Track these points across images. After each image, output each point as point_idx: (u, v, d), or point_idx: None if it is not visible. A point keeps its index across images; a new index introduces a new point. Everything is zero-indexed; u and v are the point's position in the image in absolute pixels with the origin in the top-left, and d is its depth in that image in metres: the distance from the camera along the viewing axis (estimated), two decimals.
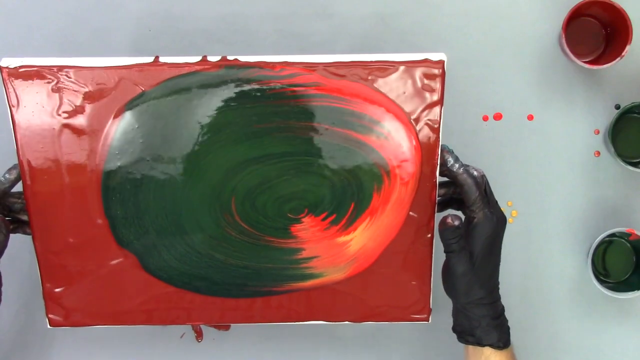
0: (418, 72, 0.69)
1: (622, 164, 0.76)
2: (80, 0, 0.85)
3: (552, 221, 0.81)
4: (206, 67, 0.69)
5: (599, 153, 0.81)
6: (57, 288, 0.77)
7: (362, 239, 0.73)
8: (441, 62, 0.68)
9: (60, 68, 0.71)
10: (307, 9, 0.83)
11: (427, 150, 0.70)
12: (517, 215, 0.81)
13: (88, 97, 0.71)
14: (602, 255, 0.81)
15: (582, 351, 0.82)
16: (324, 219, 0.73)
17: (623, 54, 0.74)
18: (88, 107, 0.72)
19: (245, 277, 0.75)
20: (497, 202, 0.69)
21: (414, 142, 0.70)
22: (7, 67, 0.71)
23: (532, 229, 0.81)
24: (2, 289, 0.74)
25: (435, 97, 0.69)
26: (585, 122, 0.81)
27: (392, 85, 0.69)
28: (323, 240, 0.73)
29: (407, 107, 0.69)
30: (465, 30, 0.81)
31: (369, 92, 0.69)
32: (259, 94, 0.70)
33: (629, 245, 0.81)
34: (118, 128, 0.72)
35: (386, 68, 0.69)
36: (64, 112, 0.72)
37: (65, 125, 0.72)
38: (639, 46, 0.79)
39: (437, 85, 0.69)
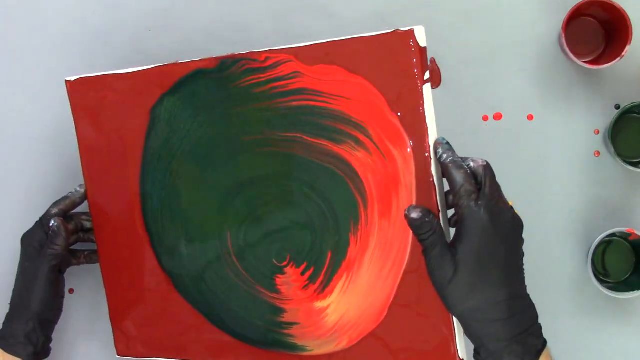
0: (392, 49, 0.60)
1: (622, 164, 0.76)
2: (80, 0, 0.85)
3: (552, 221, 0.81)
4: (206, 63, 0.68)
5: (599, 153, 0.81)
6: (122, 315, 0.77)
7: (342, 306, 0.67)
8: (410, 33, 0.59)
9: (103, 78, 0.73)
10: (308, 9, 0.83)
11: (417, 144, 0.61)
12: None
13: (125, 105, 0.73)
14: (602, 255, 0.81)
15: (582, 351, 0.82)
16: (303, 272, 0.68)
17: (623, 54, 0.74)
18: (125, 116, 0.73)
19: (249, 331, 0.72)
20: (500, 199, 0.59)
21: (398, 135, 0.62)
22: (69, 81, 0.74)
23: (532, 229, 0.81)
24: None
25: (416, 77, 0.60)
26: (585, 122, 0.81)
27: (367, 67, 0.62)
28: (302, 304, 0.69)
29: (388, 93, 0.61)
30: (465, 30, 0.81)
31: (344, 75, 0.63)
32: (245, 93, 0.67)
33: (628, 245, 0.81)
34: (146, 134, 0.72)
35: (359, 47, 0.62)
36: (108, 123, 0.74)
37: (111, 136, 0.74)
38: (639, 46, 0.79)
39: (414, 61, 0.60)
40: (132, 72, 0.71)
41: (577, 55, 0.77)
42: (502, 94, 0.81)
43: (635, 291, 0.77)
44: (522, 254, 0.61)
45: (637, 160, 0.79)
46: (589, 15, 0.80)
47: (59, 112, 0.85)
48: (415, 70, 0.60)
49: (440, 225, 0.59)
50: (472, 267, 0.57)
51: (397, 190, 0.63)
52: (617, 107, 0.80)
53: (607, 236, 0.77)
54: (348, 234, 0.65)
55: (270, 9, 0.83)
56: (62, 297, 0.76)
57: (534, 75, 0.81)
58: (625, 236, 0.79)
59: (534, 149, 0.81)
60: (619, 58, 0.75)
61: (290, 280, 0.69)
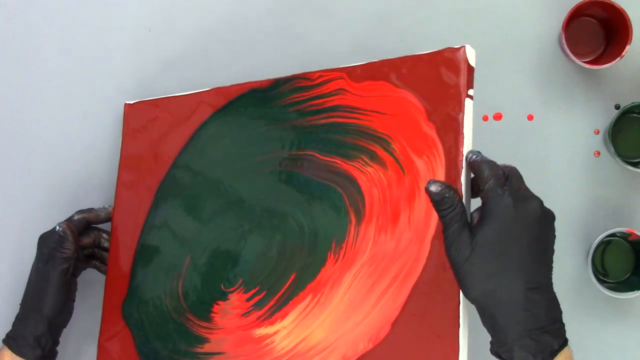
0: (442, 65, 0.62)
1: (622, 164, 0.76)
2: (80, 0, 0.85)
3: None
4: (262, 83, 0.69)
5: (599, 153, 0.81)
6: (108, 336, 0.76)
7: (300, 330, 0.63)
8: (461, 50, 0.61)
9: (160, 102, 0.74)
10: (308, 9, 0.83)
11: (450, 154, 0.60)
12: None
13: (172, 125, 0.73)
14: (602, 255, 0.81)
15: (582, 351, 0.82)
16: (249, 298, 0.65)
17: (623, 54, 0.74)
18: (168, 136, 0.73)
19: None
20: (526, 190, 0.59)
21: (430, 145, 0.61)
22: (128, 104, 0.76)
23: None
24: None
25: (460, 93, 0.61)
26: (585, 122, 0.81)
27: (414, 82, 0.63)
28: (234, 332, 0.65)
29: (429, 105, 0.62)
30: (465, 30, 0.81)
31: (389, 90, 0.64)
32: (279, 112, 0.67)
33: (628, 245, 0.81)
34: (179, 152, 0.73)
35: (410, 64, 0.63)
36: (151, 144, 0.74)
37: (148, 158, 0.74)
38: (639, 46, 0.79)
39: (461, 78, 0.61)
40: (189, 94, 0.73)
41: (577, 55, 0.77)
42: (502, 94, 0.81)
43: (635, 291, 0.77)
44: (552, 249, 0.59)
45: (637, 160, 0.79)
46: (589, 15, 0.80)
47: (60, 116, 0.85)
48: (462, 87, 0.61)
49: (462, 204, 0.58)
50: (490, 248, 0.56)
51: (411, 203, 0.62)
52: (617, 107, 0.80)
53: (607, 236, 0.77)
54: (326, 252, 0.63)
55: (270, 9, 0.83)
56: (73, 300, 0.76)
57: (534, 75, 0.81)
58: (625, 236, 0.79)
59: (534, 149, 0.81)
60: (619, 58, 0.75)
61: (229, 307, 0.66)
